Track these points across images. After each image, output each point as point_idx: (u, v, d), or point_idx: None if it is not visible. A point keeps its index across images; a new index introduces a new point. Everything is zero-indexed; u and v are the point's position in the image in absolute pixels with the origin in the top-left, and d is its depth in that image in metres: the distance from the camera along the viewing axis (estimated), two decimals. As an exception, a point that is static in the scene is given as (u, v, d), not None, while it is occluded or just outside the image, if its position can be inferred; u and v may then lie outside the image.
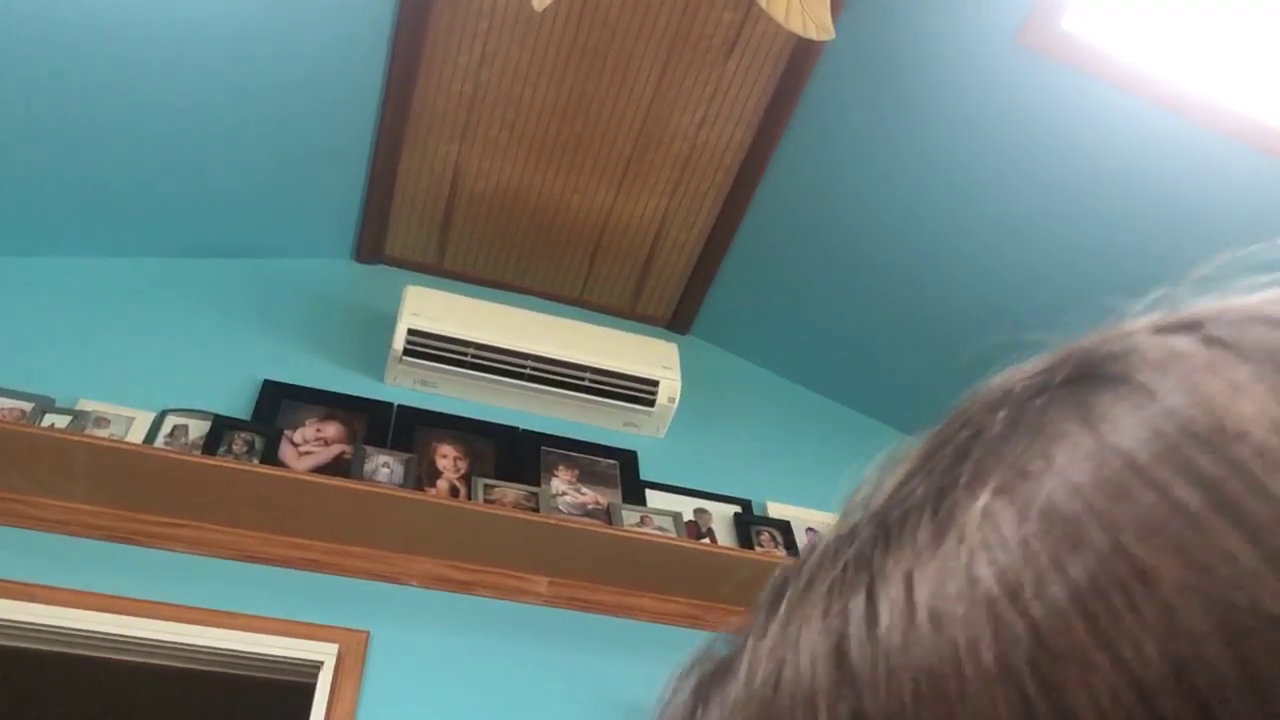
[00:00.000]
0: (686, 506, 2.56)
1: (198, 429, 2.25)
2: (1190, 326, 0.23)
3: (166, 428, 2.23)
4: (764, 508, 2.67)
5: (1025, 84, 2.25)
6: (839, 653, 0.21)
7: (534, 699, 2.14)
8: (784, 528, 2.59)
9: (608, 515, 2.46)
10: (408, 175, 2.69)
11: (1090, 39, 2.14)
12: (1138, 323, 0.24)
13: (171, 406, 2.28)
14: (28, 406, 2.14)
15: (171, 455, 2.09)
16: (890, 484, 0.25)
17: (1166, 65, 2.15)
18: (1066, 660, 0.18)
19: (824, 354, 3.02)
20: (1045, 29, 2.13)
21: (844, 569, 0.23)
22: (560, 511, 2.42)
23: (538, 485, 2.46)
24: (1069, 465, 0.21)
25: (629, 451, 2.67)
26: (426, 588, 2.22)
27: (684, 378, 2.69)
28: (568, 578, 2.32)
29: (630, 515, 2.45)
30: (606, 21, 2.38)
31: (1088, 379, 0.23)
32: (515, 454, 2.55)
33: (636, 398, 2.65)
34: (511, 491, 2.39)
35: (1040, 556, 0.20)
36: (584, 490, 2.53)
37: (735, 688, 0.24)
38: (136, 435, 2.19)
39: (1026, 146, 2.36)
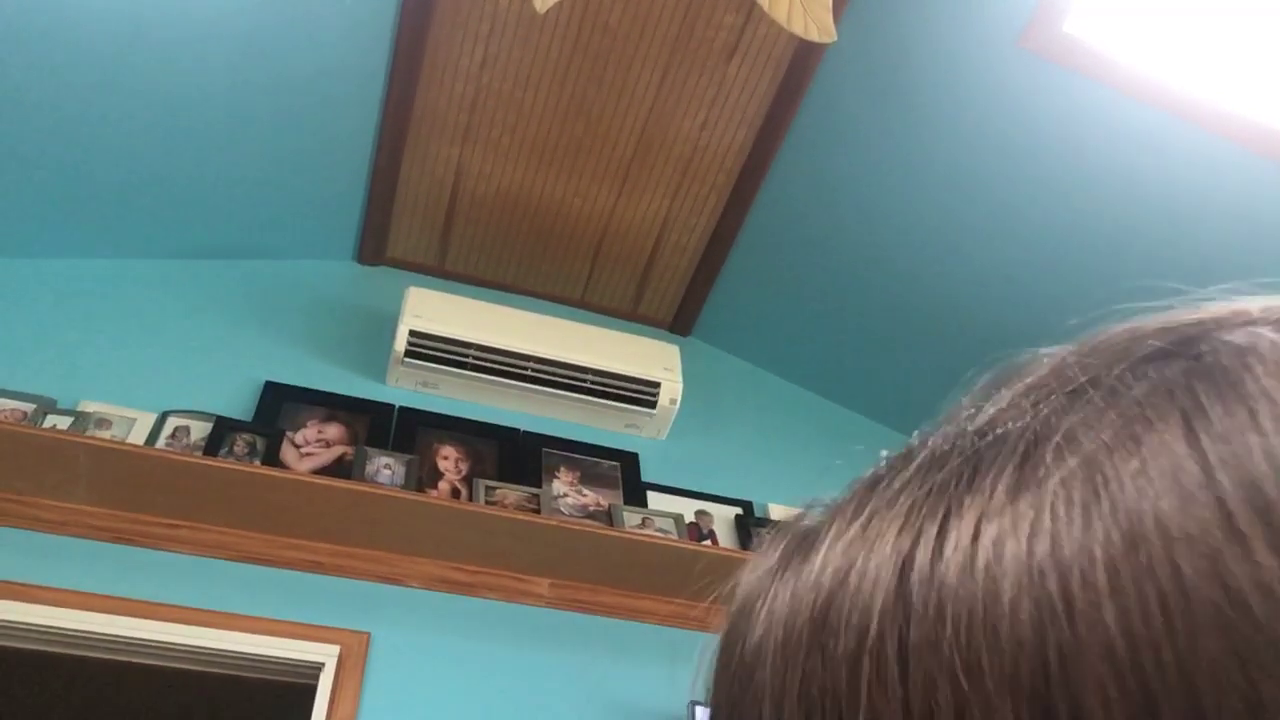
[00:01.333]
0: (688, 508, 2.57)
1: (199, 430, 2.25)
2: None
3: (168, 429, 2.23)
4: (765, 509, 2.67)
5: (1026, 87, 2.25)
6: (902, 574, 0.23)
7: (535, 700, 2.14)
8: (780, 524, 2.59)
9: (609, 517, 2.46)
10: (409, 177, 2.69)
11: (1092, 42, 2.15)
12: (1258, 306, 0.25)
13: (173, 408, 2.28)
14: (29, 408, 2.14)
15: (173, 456, 2.09)
16: (1001, 399, 0.27)
17: (1168, 69, 2.15)
18: (1091, 648, 0.20)
19: (825, 356, 3.02)
20: (1047, 32, 2.14)
21: (929, 492, 0.25)
22: (561, 513, 2.42)
23: (539, 487, 2.46)
24: (1149, 458, 0.22)
25: (630, 453, 2.67)
26: (428, 589, 2.23)
27: (685, 380, 2.70)
28: (569, 579, 2.32)
29: (631, 517, 2.45)
30: (608, 24, 2.38)
31: (1204, 369, 0.23)
32: (517, 455, 2.55)
33: (638, 399, 2.65)
34: (513, 493, 2.39)
35: (1098, 545, 0.21)
36: (585, 492, 2.53)
37: (811, 568, 0.26)
38: (138, 436, 2.19)
39: (1028, 149, 2.36)
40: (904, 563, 0.23)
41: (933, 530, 0.23)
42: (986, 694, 0.21)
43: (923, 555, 0.23)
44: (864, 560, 0.24)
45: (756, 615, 0.27)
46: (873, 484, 0.27)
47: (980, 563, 0.22)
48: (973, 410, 0.27)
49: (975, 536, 0.22)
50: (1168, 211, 2.36)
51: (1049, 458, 0.23)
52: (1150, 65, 2.15)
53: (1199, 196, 2.32)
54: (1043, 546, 0.21)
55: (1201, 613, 0.19)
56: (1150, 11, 2.12)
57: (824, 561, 0.26)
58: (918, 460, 0.26)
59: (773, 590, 0.27)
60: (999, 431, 0.25)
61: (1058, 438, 0.23)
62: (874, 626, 0.23)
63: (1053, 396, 0.25)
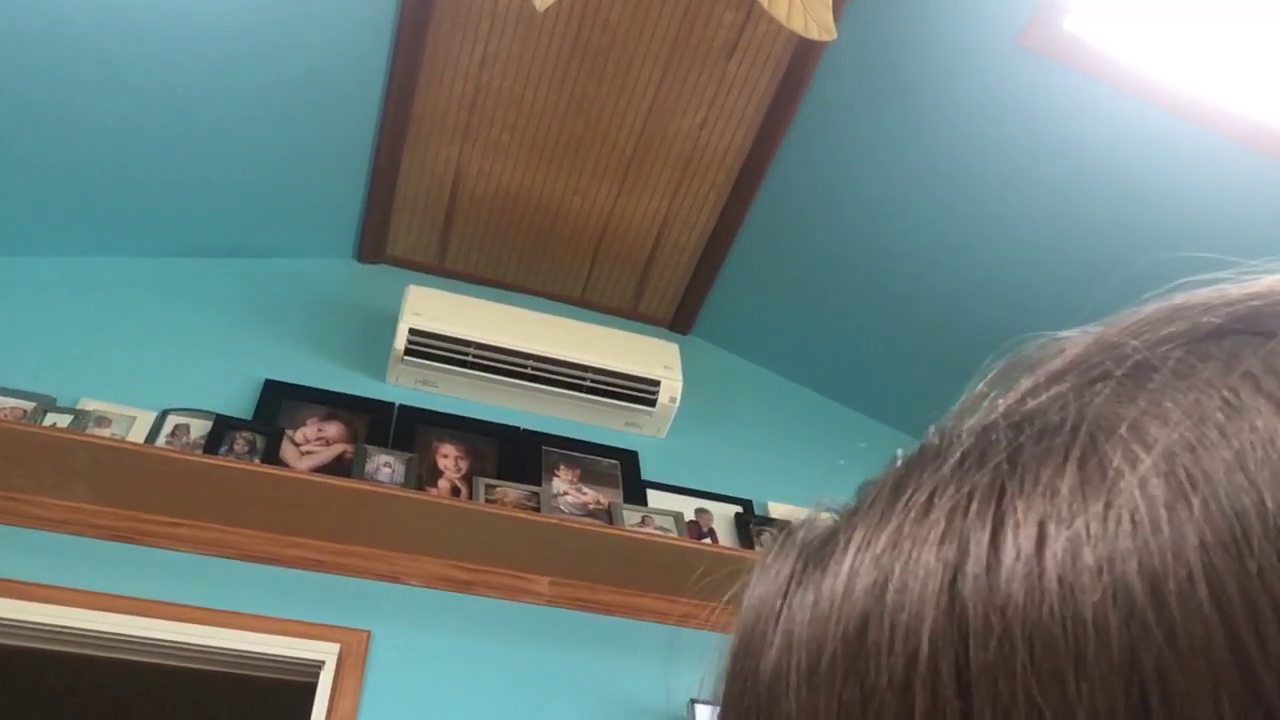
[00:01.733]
0: (687, 506, 2.57)
1: (199, 428, 2.25)
2: None
3: (168, 427, 2.23)
4: (765, 508, 2.67)
5: (1026, 85, 2.25)
6: (952, 587, 0.20)
7: (535, 698, 2.14)
8: (785, 528, 2.59)
9: (609, 515, 2.46)
10: (409, 175, 2.69)
11: (1091, 41, 2.14)
12: None
13: (173, 406, 2.28)
14: (29, 406, 2.14)
15: (173, 455, 2.09)
16: (1030, 386, 0.24)
17: (1167, 67, 2.15)
18: (1197, 672, 0.17)
19: (825, 354, 3.02)
20: (1046, 31, 2.13)
21: (969, 494, 0.21)
22: (561, 511, 2.42)
23: (539, 485, 2.46)
24: (1245, 449, 0.19)
25: (630, 451, 2.67)
26: (428, 587, 2.23)
27: (685, 378, 2.70)
28: (569, 577, 2.32)
29: (631, 515, 2.45)
30: (608, 23, 2.38)
31: (1265, 334, 0.21)
32: (516, 454, 2.55)
33: (638, 398, 2.65)
34: (513, 491, 2.39)
35: (1193, 551, 0.18)
36: (585, 490, 2.53)
37: (835, 582, 0.23)
38: (138, 435, 2.19)
39: (1027, 147, 2.36)
40: (954, 575, 0.20)
41: (983, 537, 0.20)
42: None
43: (975, 566, 0.20)
44: (902, 573, 0.21)
45: (770, 634, 0.24)
46: (896, 487, 0.24)
47: (1051, 574, 0.19)
48: (996, 400, 0.24)
49: (1040, 544, 0.19)
50: (1170, 210, 2.35)
51: (1116, 454, 0.20)
52: (1150, 63, 2.15)
53: (1197, 193, 2.32)
54: (1127, 555, 0.18)
55: None
56: (1150, 10, 2.12)
57: (850, 574, 0.22)
58: (949, 459, 0.23)
59: (788, 606, 0.24)
60: (1039, 424, 0.22)
61: (1122, 429, 0.20)
62: (924, 651, 0.20)
63: (1098, 384, 0.22)
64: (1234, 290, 0.23)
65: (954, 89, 2.32)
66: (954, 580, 0.20)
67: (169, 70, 2.18)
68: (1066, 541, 0.19)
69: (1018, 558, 0.20)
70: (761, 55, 2.44)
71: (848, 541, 0.23)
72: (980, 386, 0.25)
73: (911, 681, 0.20)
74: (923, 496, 0.22)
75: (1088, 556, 0.19)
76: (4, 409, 2.11)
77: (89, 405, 2.22)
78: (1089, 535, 0.19)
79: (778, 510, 2.67)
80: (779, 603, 0.24)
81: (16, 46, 2.01)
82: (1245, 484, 0.18)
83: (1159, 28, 2.13)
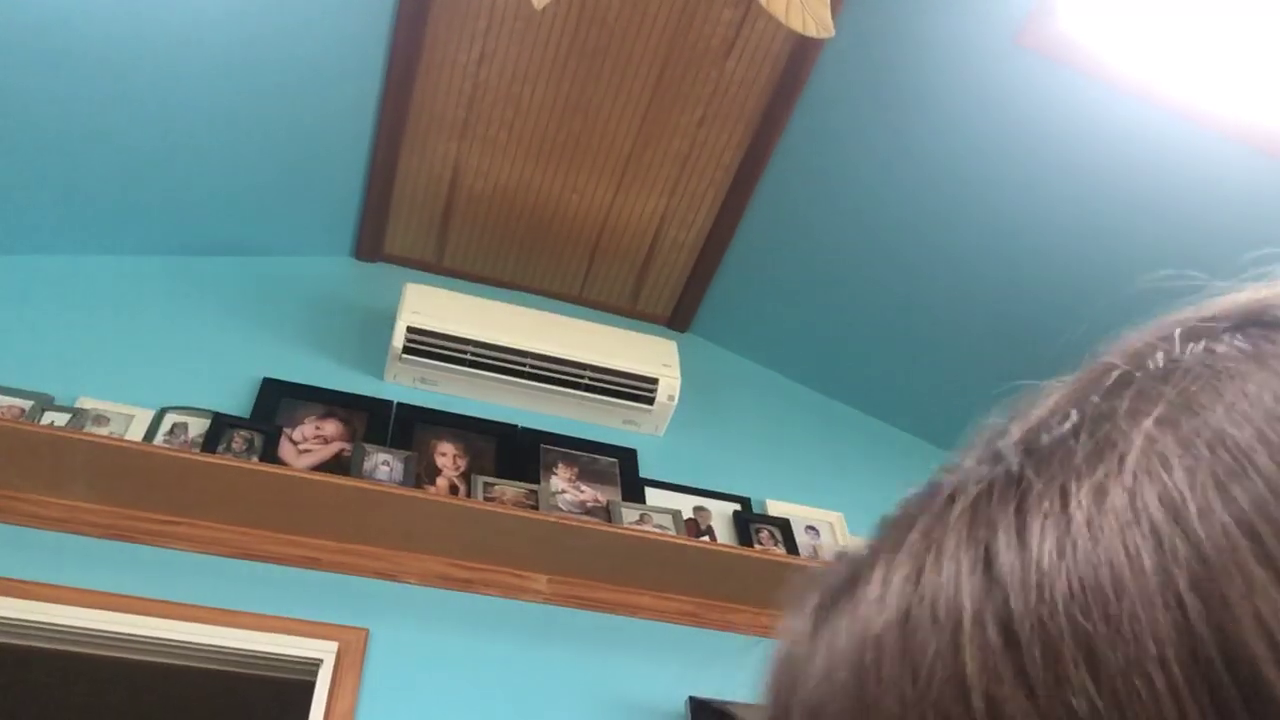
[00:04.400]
0: (686, 504, 2.57)
1: (197, 427, 2.25)
2: None
3: (166, 425, 2.23)
4: (763, 505, 2.68)
5: (1023, 84, 2.25)
6: (985, 562, 0.22)
7: (533, 697, 2.14)
8: (783, 525, 2.59)
9: (607, 513, 2.46)
10: (407, 173, 2.69)
11: (1088, 40, 2.14)
12: None
13: (171, 404, 2.28)
14: (27, 404, 2.14)
15: (171, 453, 2.09)
16: (1036, 415, 0.25)
17: (1165, 66, 2.15)
18: (1229, 578, 0.19)
19: (823, 352, 3.02)
20: (1044, 29, 2.13)
21: (989, 487, 0.23)
22: (560, 509, 2.42)
23: (537, 483, 2.46)
24: (1239, 398, 0.21)
25: (628, 449, 2.67)
26: (426, 585, 2.23)
27: (683, 376, 2.70)
28: (567, 575, 2.32)
29: (630, 513, 2.45)
30: (606, 20, 2.38)
31: (1256, 324, 0.23)
32: (515, 452, 2.55)
33: (636, 395, 2.65)
34: (511, 489, 2.39)
35: (1205, 480, 0.20)
36: (583, 488, 2.53)
37: (868, 597, 0.24)
38: (136, 433, 2.19)
39: (1024, 146, 2.36)
40: (985, 547, 0.22)
41: (1009, 514, 0.22)
42: (1126, 645, 0.19)
43: (1006, 539, 0.22)
44: (935, 559, 0.23)
45: (809, 652, 0.25)
46: (912, 509, 0.25)
47: (1080, 522, 0.21)
48: (999, 433, 0.26)
49: (1064, 501, 0.21)
50: (1163, 207, 2.35)
51: (1122, 423, 0.22)
52: (1147, 62, 2.15)
53: (1195, 193, 2.32)
54: (1147, 491, 0.20)
55: None
56: (1148, 9, 2.12)
57: (884, 579, 0.24)
58: (958, 473, 0.25)
59: (827, 625, 0.25)
60: (1045, 436, 0.24)
61: (1122, 410, 0.22)
62: (967, 614, 0.21)
63: (1093, 397, 0.24)
64: (1216, 304, 0.25)
65: (952, 87, 2.32)
66: (985, 555, 0.22)
67: (167, 68, 2.18)
68: (1088, 495, 0.21)
69: (1045, 521, 0.21)
70: (760, 53, 2.44)
71: (873, 564, 0.25)
72: (980, 433, 0.27)
73: (960, 646, 0.21)
74: (943, 496, 0.24)
75: (1111, 500, 0.21)
76: (2, 407, 2.11)
77: (87, 403, 2.21)
78: (1109, 485, 0.21)
79: (776, 508, 2.67)
80: (814, 626, 0.26)
81: (16, 45, 2.01)
82: (1241, 422, 0.21)
83: (1157, 26, 2.13)
